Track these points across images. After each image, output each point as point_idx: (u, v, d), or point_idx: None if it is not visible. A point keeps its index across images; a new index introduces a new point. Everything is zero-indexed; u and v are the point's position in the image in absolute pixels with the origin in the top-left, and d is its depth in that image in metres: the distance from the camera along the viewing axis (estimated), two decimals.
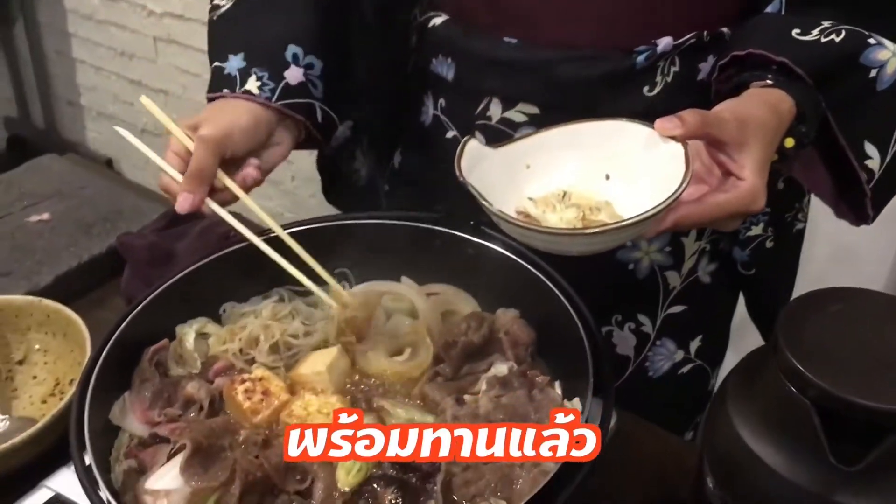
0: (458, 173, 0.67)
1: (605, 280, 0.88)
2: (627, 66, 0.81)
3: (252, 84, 0.81)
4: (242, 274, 0.83)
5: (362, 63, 0.90)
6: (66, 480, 0.72)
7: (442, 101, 0.93)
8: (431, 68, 0.93)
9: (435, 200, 0.88)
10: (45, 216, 1.10)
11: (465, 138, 0.70)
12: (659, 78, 0.82)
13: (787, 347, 0.50)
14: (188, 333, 0.79)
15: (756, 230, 0.91)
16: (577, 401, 0.74)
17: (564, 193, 0.71)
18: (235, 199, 0.79)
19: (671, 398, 0.98)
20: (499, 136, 0.87)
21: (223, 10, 0.88)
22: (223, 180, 0.77)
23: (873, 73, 0.71)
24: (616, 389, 0.91)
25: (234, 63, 0.83)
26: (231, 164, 0.79)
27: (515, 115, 0.87)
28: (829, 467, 0.48)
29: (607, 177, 0.71)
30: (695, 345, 0.98)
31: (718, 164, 0.66)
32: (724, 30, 0.82)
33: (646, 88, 0.82)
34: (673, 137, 0.64)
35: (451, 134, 0.93)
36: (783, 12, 0.76)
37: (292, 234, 0.83)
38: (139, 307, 0.76)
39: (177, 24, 2.51)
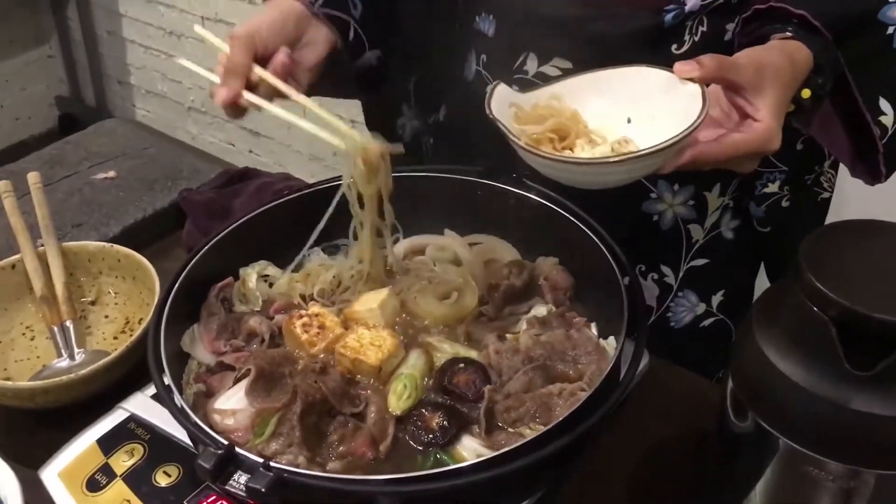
0: (487, 111, 0.71)
1: (630, 231, 0.92)
2: (657, 23, 0.84)
3: None
4: (296, 223, 0.89)
5: (407, 10, 0.95)
6: (139, 402, 0.79)
7: (483, 57, 0.97)
8: (475, 25, 0.97)
9: (478, 153, 0.93)
10: (112, 174, 1.17)
11: (494, 82, 0.74)
12: (687, 37, 0.85)
13: (808, 270, 0.54)
14: (250, 274, 0.86)
15: (772, 187, 0.94)
16: (612, 339, 0.79)
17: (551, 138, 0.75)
18: (275, 94, 0.83)
19: (693, 350, 1.01)
20: (534, 89, 0.92)
21: None
22: (258, 73, 0.81)
23: (890, 30, 0.75)
24: None
25: None
26: (267, 61, 0.83)
27: (550, 69, 0.91)
28: (846, 376, 0.52)
29: (629, 120, 0.75)
30: (717, 299, 1.02)
31: (736, 107, 0.69)
32: None
33: (674, 46, 0.86)
34: (691, 79, 0.68)
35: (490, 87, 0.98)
36: None
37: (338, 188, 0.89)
38: (205, 248, 0.82)
39: (224, 2, 2.58)
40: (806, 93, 0.74)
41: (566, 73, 0.90)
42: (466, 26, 0.98)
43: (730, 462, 0.66)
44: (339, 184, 0.84)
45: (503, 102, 0.74)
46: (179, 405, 0.66)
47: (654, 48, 0.85)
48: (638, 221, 0.95)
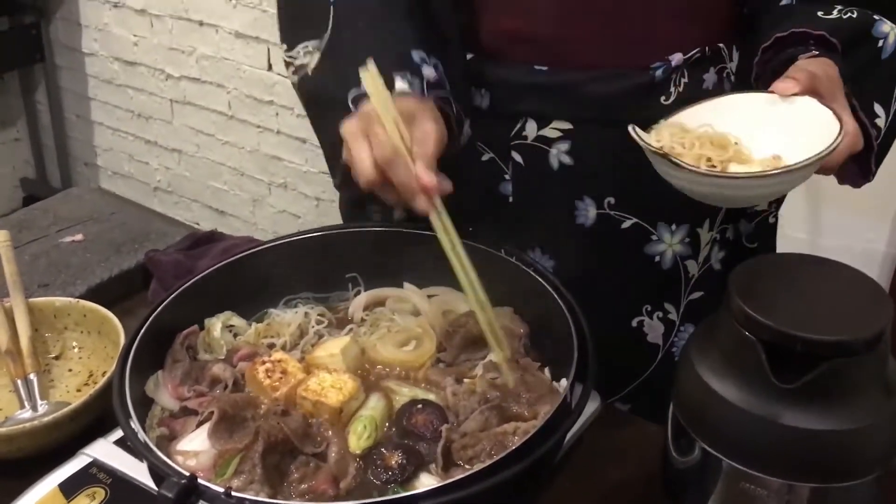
0: (633, 135, 0.76)
1: (635, 274, 0.98)
2: (647, 80, 0.91)
3: (400, 84, 0.82)
4: (258, 276, 0.92)
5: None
6: (101, 448, 0.80)
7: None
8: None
9: (467, 222, 0.89)
10: (79, 237, 1.19)
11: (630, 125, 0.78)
12: (672, 88, 0.93)
13: (738, 297, 0.58)
14: (215, 324, 0.88)
15: (763, 204, 1.01)
16: (564, 381, 0.82)
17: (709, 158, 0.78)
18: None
19: None
20: (534, 153, 0.96)
21: (315, 60, 0.90)
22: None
23: (880, 43, 0.85)
24: (649, 376, 1.03)
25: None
26: None
27: (550, 131, 0.96)
28: (775, 392, 0.56)
29: (735, 143, 0.79)
30: None
31: None
32: (721, 45, 0.94)
33: (662, 98, 0.93)
34: (794, 95, 0.75)
35: (487, 157, 1.00)
36: (794, 2, 0.89)
37: (303, 241, 0.93)
38: (172, 296, 0.85)
39: (193, 86, 2.65)
40: None
41: (566, 134, 0.94)
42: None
43: (676, 498, 0.69)
44: (297, 239, 0.87)
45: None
46: (143, 440, 0.68)
47: (647, 101, 0.92)
48: (641, 264, 1.00)
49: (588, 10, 0.91)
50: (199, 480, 0.63)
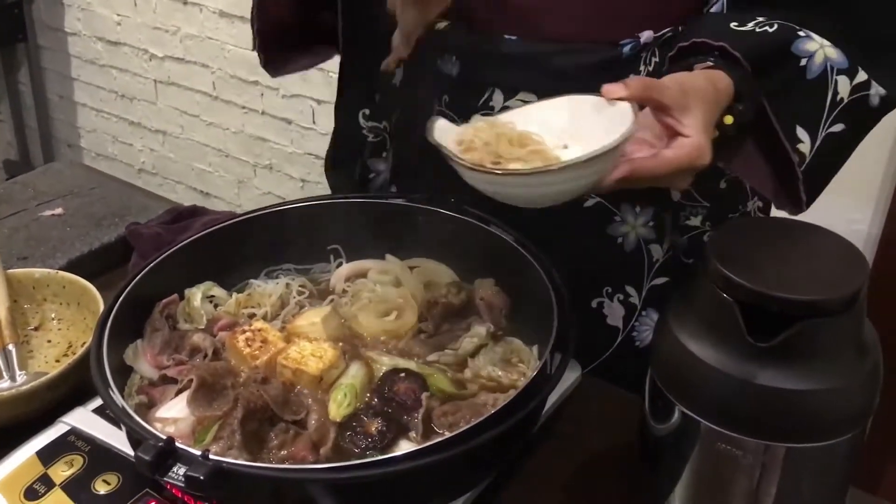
0: (429, 138, 0.74)
1: (596, 254, 0.97)
2: (615, 55, 0.90)
3: None
4: (239, 246, 0.92)
5: None
6: (80, 416, 0.79)
7: (446, 97, 1.00)
8: (437, 67, 0.99)
9: (443, 190, 0.92)
10: (59, 210, 1.18)
11: (431, 118, 0.77)
12: (642, 67, 0.91)
13: (715, 259, 0.59)
14: (195, 294, 0.88)
15: (695, 221, 0.98)
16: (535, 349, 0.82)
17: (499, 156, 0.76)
18: None
19: None
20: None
21: None
22: None
23: (803, 62, 0.81)
24: (606, 359, 1.00)
25: None
26: None
27: (515, 103, 0.94)
28: (750, 352, 0.56)
29: (565, 146, 0.78)
30: None
31: (665, 127, 0.74)
32: None
33: (631, 76, 0.91)
34: (620, 99, 0.72)
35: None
36: (724, 11, 0.87)
37: (284, 212, 0.93)
38: (152, 264, 0.84)
39: (177, 66, 2.63)
40: (728, 119, 0.78)
41: (503, 111, 0.95)
42: (424, 72, 1.01)
43: (654, 464, 0.70)
44: (279, 210, 0.87)
45: (443, 134, 0.77)
46: (121, 405, 0.68)
47: (613, 78, 0.91)
48: (603, 244, 0.99)
49: None
50: (177, 444, 0.63)
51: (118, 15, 2.71)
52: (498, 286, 0.90)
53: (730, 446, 0.59)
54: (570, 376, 0.87)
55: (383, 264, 0.95)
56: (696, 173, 0.75)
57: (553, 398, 0.82)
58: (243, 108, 2.55)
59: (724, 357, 0.58)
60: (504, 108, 0.95)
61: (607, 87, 0.73)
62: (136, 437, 0.65)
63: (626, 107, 0.71)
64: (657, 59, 0.92)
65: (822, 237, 0.62)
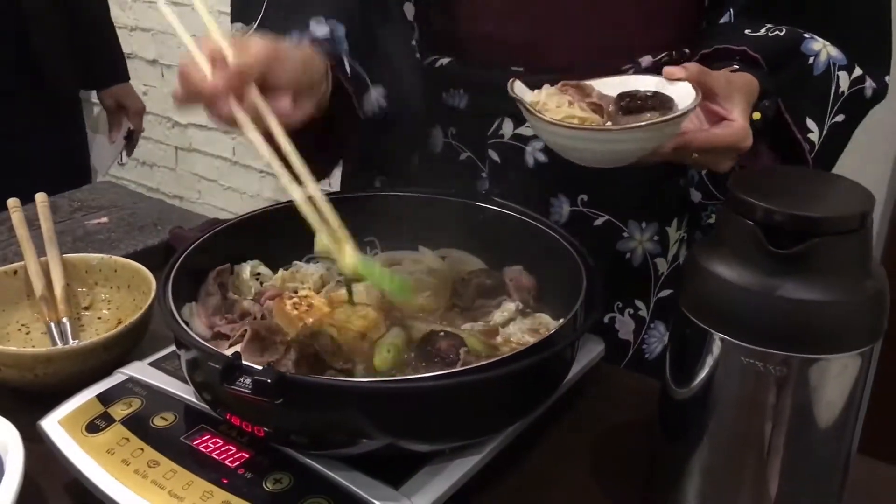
0: (510, 91, 0.82)
1: (608, 271, 1.00)
2: None
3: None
4: (287, 230, 0.97)
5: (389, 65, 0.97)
6: (137, 367, 0.84)
7: (452, 129, 1.07)
8: (443, 101, 1.06)
9: None
10: (104, 220, 1.25)
11: (511, 80, 0.83)
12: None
13: (736, 189, 0.66)
14: (244, 268, 0.94)
15: (713, 219, 1.07)
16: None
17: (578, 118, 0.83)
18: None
19: None
20: (511, 151, 1.02)
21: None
22: (254, 99, 0.70)
23: (811, 59, 0.90)
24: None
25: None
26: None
27: (526, 129, 1.01)
28: (771, 265, 0.63)
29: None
30: None
31: (711, 113, 0.82)
32: (687, 50, 1.02)
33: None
34: (679, 80, 0.80)
35: (464, 155, 1.07)
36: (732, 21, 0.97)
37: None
38: (206, 236, 0.91)
39: (199, 133, 2.75)
40: (756, 115, 0.86)
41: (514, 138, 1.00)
42: (428, 105, 1.04)
43: (675, 432, 0.74)
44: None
45: (522, 93, 0.84)
46: (184, 327, 0.73)
47: None
48: (613, 261, 1.04)
49: (559, 18, 0.98)
50: (243, 361, 0.68)
51: (145, 85, 2.84)
52: (526, 271, 0.96)
53: (753, 359, 0.64)
54: (594, 348, 0.92)
55: (416, 255, 1.01)
56: (737, 156, 0.82)
57: (576, 368, 0.87)
58: (261, 172, 2.65)
59: (748, 274, 0.64)
60: (515, 136, 1.02)
61: (668, 69, 0.81)
62: (206, 352, 0.70)
63: (687, 85, 0.79)
64: None
65: (833, 179, 0.69)
